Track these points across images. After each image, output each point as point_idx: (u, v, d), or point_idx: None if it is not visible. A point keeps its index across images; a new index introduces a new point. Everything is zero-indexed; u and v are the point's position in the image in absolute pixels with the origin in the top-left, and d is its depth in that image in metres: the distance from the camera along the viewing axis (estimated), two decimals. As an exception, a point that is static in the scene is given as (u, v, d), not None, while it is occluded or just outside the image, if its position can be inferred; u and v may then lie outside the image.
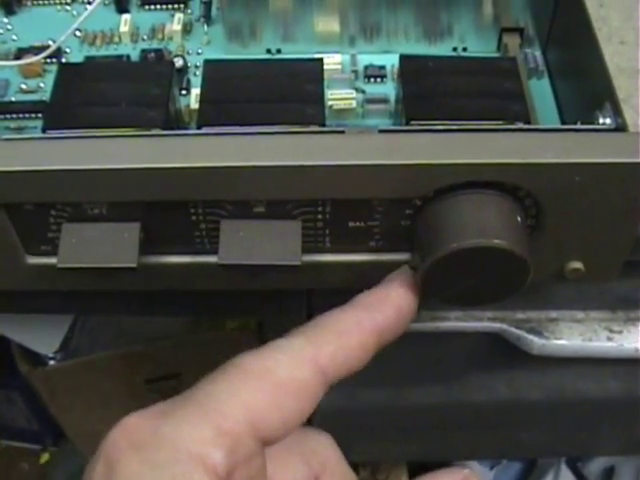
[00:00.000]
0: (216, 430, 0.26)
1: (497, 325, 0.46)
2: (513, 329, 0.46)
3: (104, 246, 0.32)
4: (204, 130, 0.34)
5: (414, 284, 0.32)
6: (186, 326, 0.64)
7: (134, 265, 0.32)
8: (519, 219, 0.32)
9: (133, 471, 0.26)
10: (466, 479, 0.28)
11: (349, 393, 0.53)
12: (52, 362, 0.73)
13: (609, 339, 0.46)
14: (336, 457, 0.33)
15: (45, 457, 0.99)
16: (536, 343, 0.46)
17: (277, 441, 0.28)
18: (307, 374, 0.29)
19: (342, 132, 0.32)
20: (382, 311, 0.31)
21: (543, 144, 0.31)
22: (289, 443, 0.30)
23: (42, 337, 0.72)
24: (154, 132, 0.33)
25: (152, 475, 0.25)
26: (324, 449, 0.33)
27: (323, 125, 0.34)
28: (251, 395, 0.28)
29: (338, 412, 0.52)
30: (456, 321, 0.46)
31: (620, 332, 0.46)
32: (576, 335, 0.46)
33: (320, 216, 0.33)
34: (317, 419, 0.52)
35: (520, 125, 0.34)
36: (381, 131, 0.32)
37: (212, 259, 0.33)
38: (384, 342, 0.31)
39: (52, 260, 0.33)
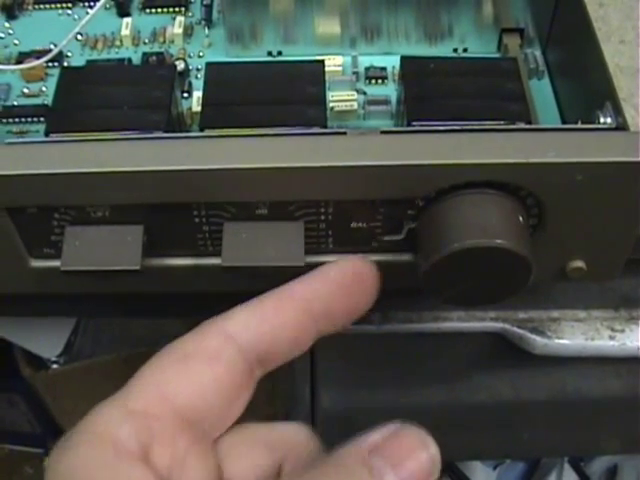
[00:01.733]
0: (122, 409, 0.27)
1: (499, 325, 0.46)
2: (515, 329, 0.46)
3: (107, 249, 0.32)
4: (206, 132, 0.34)
5: (360, 260, 0.31)
6: (189, 328, 0.64)
7: (137, 268, 0.32)
8: (521, 219, 0.32)
9: (52, 461, 0.26)
10: (398, 430, 0.26)
11: (351, 394, 0.53)
12: (55, 366, 0.73)
13: (611, 338, 0.46)
14: (304, 441, 0.31)
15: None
16: (538, 343, 0.46)
17: (207, 418, 0.28)
18: (214, 342, 0.28)
19: (344, 133, 0.32)
20: (308, 283, 0.30)
21: (544, 144, 0.31)
22: (254, 436, 0.30)
23: (45, 341, 0.72)
24: (156, 135, 0.33)
25: (64, 458, 0.26)
26: (291, 434, 0.31)
27: (325, 127, 0.34)
28: (160, 371, 0.28)
29: (339, 412, 0.52)
30: (458, 321, 0.46)
31: (622, 331, 0.46)
32: (578, 334, 0.46)
33: (323, 217, 0.33)
34: (319, 420, 0.52)
35: (521, 125, 0.34)
36: (383, 132, 0.32)
37: (215, 261, 0.33)
38: (318, 313, 0.30)
39: (55, 263, 0.33)
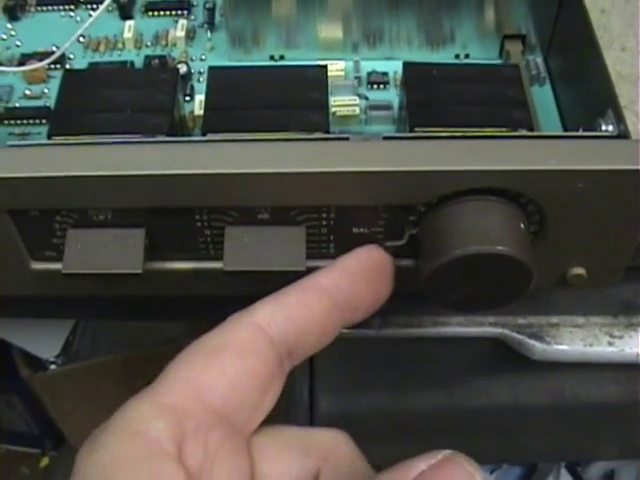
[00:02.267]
0: (155, 406, 0.27)
1: (498, 330, 0.46)
2: (514, 334, 0.46)
3: (109, 252, 0.32)
4: (209, 137, 0.34)
5: (375, 252, 0.32)
6: (188, 331, 0.64)
7: (139, 271, 0.32)
8: (522, 225, 0.32)
9: (83, 458, 0.26)
10: (446, 460, 0.26)
11: (349, 397, 0.53)
12: (53, 366, 0.73)
13: (610, 344, 0.46)
14: (345, 449, 0.31)
15: (45, 461, 0.99)
16: (537, 348, 0.46)
17: (239, 411, 0.28)
18: (244, 334, 0.29)
19: (346, 139, 0.32)
20: (328, 274, 0.31)
21: (546, 151, 0.31)
22: (289, 439, 0.30)
23: (43, 341, 0.72)
24: (159, 139, 0.33)
25: (96, 455, 0.26)
26: (329, 442, 0.31)
27: (327, 132, 0.34)
28: (191, 366, 0.28)
29: (337, 416, 0.52)
30: (457, 326, 0.46)
31: (621, 337, 0.46)
32: (577, 340, 0.46)
33: (324, 222, 0.33)
34: (317, 422, 0.52)
35: (523, 132, 0.34)
36: (385, 138, 0.32)
37: (217, 265, 0.33)
38: (341, 303, 0.31)
39: (57, 266, 0.33)
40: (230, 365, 0.28)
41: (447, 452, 0.26)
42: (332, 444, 0.31)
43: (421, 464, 0.26)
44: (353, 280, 0.31)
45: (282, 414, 0.59)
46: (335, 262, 0.32)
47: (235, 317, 0.29)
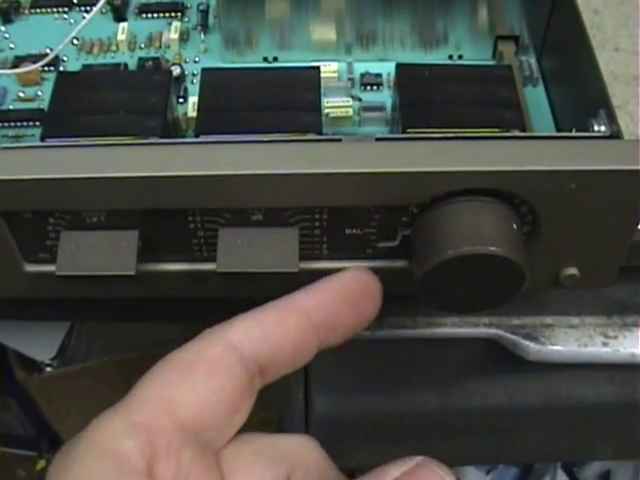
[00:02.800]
0: (127, 422, 0.26)
1: (493, 331, 0.46)
2: (509, 335, 0.46)
3: (102, 254, 0.32)
4: (202, 138, 0.34)
5: (362, 274, 0.32)
6: (183, 332, 0.64)
7: (132, 273, 0.32)
8: (515, 226, 0.32)
9: (53, 475, 0.26)
10: (419, 467, 0.26)
11: (345, 399, 0.53)
12: (48, 369, 0.73)
13: (604, 344, 0.46)
14: (314, 455, 0.31)
15: (41, 464, 0.99)
16: (532, 349, 0.46)
17: (210, 428, 0.28)
18: (216, 350, 0.28)
19: (339, 140, 0.32)
20: (309, 293, 0.30)
21: (538, 152, 0.31)
22: (259, 448, 0.30)
23: (38, 344, 0.72)
24: (152, 140, 0.33)
25: (67, 473, 0.26)
26: (298, 448, 0.31)
27: (320, 133, 0.34)
28: (162, 382, 0.28)
29: (333, 418, 0.52)
30: (452, 327, 0.46)
31: (615, 337, 0.47)
32: (571, 341, 0.46)
33: (317, 223, 0.33)
34: (312, 424, 0.52)
35: (516, 133, 0.34)
36: (378, 139, 0.32)
37: (210, 266, 0.33)
38: (319, 325, 0.30)
39: (50, 268, 0.33)
40: (200, 382, 0.28)
41: (419, 458, 0.26)
42: (302, 451, 0.31)
43: (394, 471, 0.26)
44: (334, 302, 0.31)
45: (277, 416, 0.59)
46: (319, 282, 0.31)
47: (209, 332, 0.29)
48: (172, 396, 0.27)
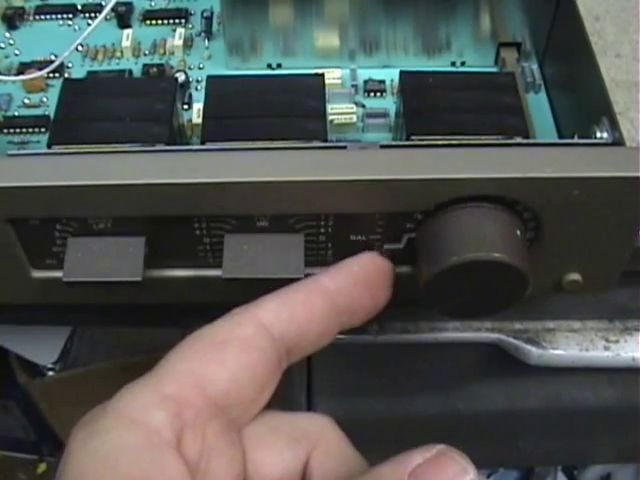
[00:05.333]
0: (157, 395, 0.26)
1: (495, 335, 0.46)
2: (511, 339, 0.46)
3: (109, 260, 0.33)
4: (208, 146, 0.34)
5: (378, 260, 0.33)
6: (185, 336, 0.64)
7: (139, 279, 0.32)
8: (518, 232, 0.32)
9: (79, 443, 0.26)
10: (441, 454, 0.26)
11: (346, 403, 0.53)
12: (51, 373, 0.73)
13: (606, 349, 0.47)
14: (332, 435, 0.31)
15: (42, 467, 0.99)
16: (534, 353, 0.46)
17: (237, 405, 0.28)
18: (248, 330, 0.29)
19: (344, 147, 0.32)
20: (333, 277, 0.31)
21: (541, 159, 0.31)
22: (277, 426, 0.30)
23: (41, 348, 0.72)
24: (158, 147, 0.34)
25: (95, 442, 0.25)
26: (317, 427, 0.31)
27: (325, 140, 0.34)
28: (193, 357, 0.28)
29: (336, 420, 0.52)
30: (454, 331, 0.46)
31: (617, 342, 0.47)
32: (573, 345, 0.46)
33: (323, 230, 0.33)
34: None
35: (519, 140, 0.34)
36: (382, 146, 0.32)
37: (216, 273, 0.34)
38: (342, 307, 0.31)
39: (57, 274, 0.34)
40: (232, 360, 0.28)
41: (441, 446, 0.26)
42: (320, 429, 0.31)
43: (417, 457, 0.26)
44: (355, 286, 0.31)
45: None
46: (339, 266, 0.32)
47: (239, 311, 0.30)
48: (203, 372, 0.28)
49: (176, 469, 0.26)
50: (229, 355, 0.28)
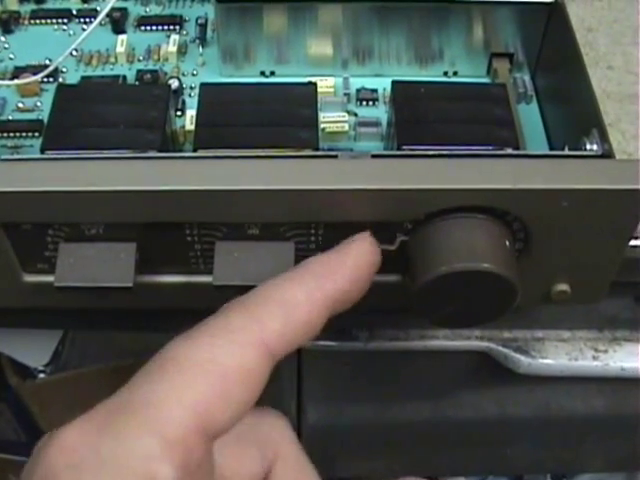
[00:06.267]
0: (162, 442, 0.24)
1: (484, 344, 0.47)
2: (500, 348, 0.47)
3: (101, 266, 0.33)
4: (200, 153, 0.34)
5: (372, 250, 0.31)
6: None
7: (130, 285, 0.33)
8: (507, 243, 0.32)
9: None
10: None
11: (336, 409, 0.53)
12: (42, 375, 0.73)
13: (595, 358, 0.47)
14: (289, 441, 0.31)
15: (33, 469, 0.99)
16: (523, 362, 0.46)
17: (225, 433, 0.26)
18: (254, 359, 0.26)
19: (335, 157, 0.33)
20: (334, 280, 0.29)
21: (531, 170, 0.31)
22: (243, 432, 0.29)
23: (32, 350, 0.72)
24: (151, 154, 0.34)
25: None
26: (277, 433, 0.30)
27: (317, 149, 0.34)
28: (195, 393, 0.25)
29: (325, 428, 0.53)
30: (444, 340, 0.47)
31: (605, 351, 0.47)
32: (562, 354, 0.47)
33: (313, 238, 0.33)
34: (304, 434, 0.52)
35: (509, 151, 0.35)
36: (373, 156, 0.33)
37: (206, 279, 0.34)
38: (334, 313, 0.29)
39: (48, 278, 0.34)
40: (235, 395, 0.26)
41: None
42: (278, 435, 0.30)
43: None
44: (350, 284, 0.30)
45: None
46: (336, 258, 0.30)
47: (240, 326, 0.27)
48: (205, 411, 0.25)
49: None
50: (233, 391, 0.26)
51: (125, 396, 0.25)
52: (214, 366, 0.26)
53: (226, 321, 0.27)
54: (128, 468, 0.23)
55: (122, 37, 0.44)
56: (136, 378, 0.26)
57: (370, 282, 0.31)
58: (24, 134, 0.40)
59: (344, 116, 0.40)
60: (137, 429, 0.24)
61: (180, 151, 0.39)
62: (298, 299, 0.28)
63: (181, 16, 0.45)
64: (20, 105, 0.41)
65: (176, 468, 0.24)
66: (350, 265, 0.30)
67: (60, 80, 0.42)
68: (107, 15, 0.43)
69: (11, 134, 0.40)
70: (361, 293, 0.30)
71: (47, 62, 0.43)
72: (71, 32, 0.45)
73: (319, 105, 0.37)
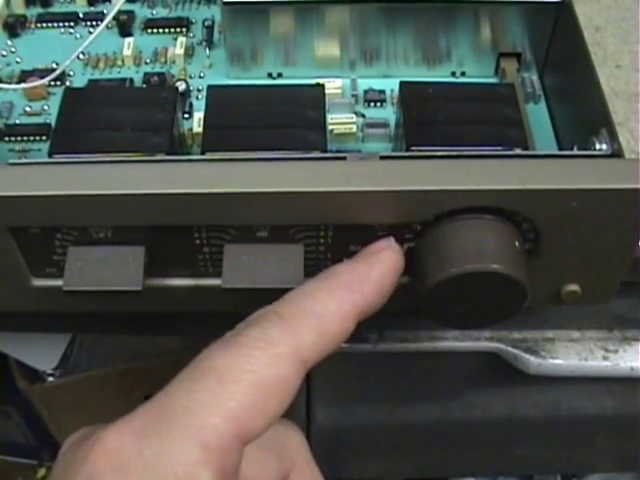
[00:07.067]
0: (202, 448, 0.25)
1: (494, 345, 0.46)
2: (510, 348, 0.46)
3: (109, 269, 0.33)
4: (208, 156, 0.34)
5: (397, 259, 0.31)
6: (185, 343, 0.64)
7: (139, 288, 0.33)
8: (517, 244, 0.32)
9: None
10: None
11: (346, 410, 0.53)
12: (51, 378, 0.73)
13: (605, 358, 0.47)
14: (305, 453, 0.31)
15: (42, 472, 0.99)
16: (533, 362, 0.46)
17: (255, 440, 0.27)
18: (290, 370, 0.27)
19: (344, 158, 0.32)
20: (362, 292, 0.30)
21: (540, 170, 0.31)
22: (264, 441, 0.28)
23: (41, 353, 0.72)
24: (159, 157, 0.34)
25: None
26: (294, 444, 0.31)
27: (325, 150, 0.34)
28: (234, 402, 0.26)
29: (334, 429, 0.53)
30: (454, 341, 0.46)
31: (616, 351, 0.47)
32: (572, 354, 0.47)
33: (322, 240, 0.33)
34: (313, 435, 0.52)
35: (518, 151, 0.34)
36: (382, 157, 0.33)
37: (215, 282, 0.34)
38: (363, 316, 0.30)
39: (57, 282, 0.34)
40: (271, 405, 0.27)
41: None
42: (295, 446, 0.31)
43: None
44: (375, 293, 0.30)
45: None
46: (370, 274, 0.30)
47: (278, 338, 0.27)
48: (243, 420, 0.26)
49: None
50: (269, 401, 0.26)
51: (165, 401, 0.26)
52: (253, 376, 0.26)
53: (263, 332, 0.28)
54: (171, 472, 0.24)
55: (129, 40, 0.44)
56: (174, 385, 0.27)
57: (393, 289, 0.31)
58: (32, 138, 0.40)
59: (352, 117, 0.40)
60: (179, 435, 0.25)
61: (188, 154, 0.39)
62: (330, 311, 0.29)
63: (188, 18, 0.45)
64: (27, 109, 0.41)
65: (214, 473, 0.25)
66: (377, 277, 0.31)
67: (67, 83, 0.42)
68: (114, 18, 0.43)
69: (19, 138, 0.40)
70: (384, 301, 0.31)
71: (54, 66, 0.43)
72: (78, 35, 0.45)
73: (327, 106, 0.37)
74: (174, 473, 0.24)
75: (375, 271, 0.31)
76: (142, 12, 0.46)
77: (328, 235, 0.33)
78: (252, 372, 0.26)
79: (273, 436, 0.31)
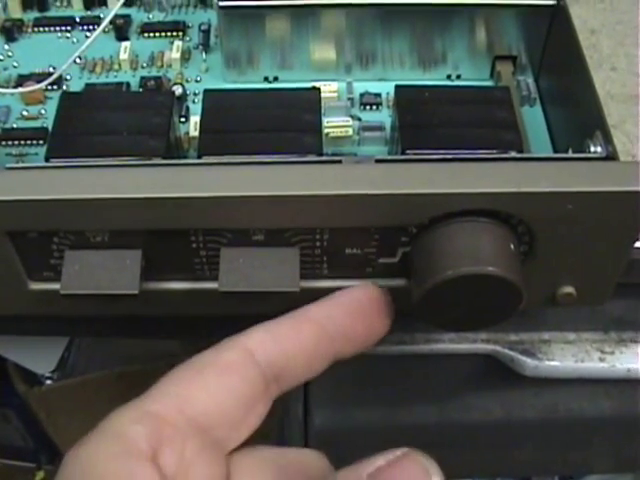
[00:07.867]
0: (139, 411, 0.28)
1: (490, 347, 0.46)
2: (506, 351, 0.46)
3: (106, 273, 0.33)
4: (204, 159, 0.34)
5: (370, 286, 0.33)
6: (183, 346, 0.64)
7: (136, 292, 0.33)
8: (512, 246, 0.32)
9: (69, 455, 0.27)
10: (404, 457, 0.27)
11: (343, 413, 0.53)
12: (49, 382, 0.73)
13: (601, 360, 0.47)
14: (318, 467, 0.31)
15: (40, 475, 0.99)
16: (529, 364, 0.46)
17: (221, 426, 0.29)
18: (232, 355, 0.30)
19: (339, 162, 0.33)
20: (318, 304, 0.32)
21: (535, 173, 0.31)
22: (266, 455, 0.30)
23: (38, 357, 0.72)
24: (155, 161, 0.34)
25: (80, 452, 0.27)
26: (305, 460, 0.32)
27: (321, 154, 0.34)
28: (177, 381, 0.29)
29: (331, 432, 0.53)
30: (450, 343, 0.46)
31: (612, 353, 0.47)
32: (568, 356, 0.47)
33: (318, 243, 0.33)
34: (311, 438, 0.52)
35: (513, 154, 0.35)
36: (377, 161, 0.33)
37: (212, 285, 0.34)
38: (333, 335, 0.32)
39: (54, 286, 0.34)
40: (213, 382, 0.29)
41: (405, 449, 0.27)
42: (307, 461, 0.31)
43: (379, 460, 0.27)
44: (346, 314, 0.32)
45: (276, 429, 0.60)
46: (329, 296, 0.33)
47: (227, 340, 0.31)
48: (185, 393, 0.29)
49: (149, 477, 0.27)
50: (210, 378, 0.29)
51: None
52: (198, 362, 0.30)
53: (220, 342, 0.31)
54: (109, 428, 0.28)
55: (125, 44, 0.44)
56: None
57: (386, 320, 0.33)
58: (29, 142, 0.40)
59: (348, 121, 0.40)
60: (124, 407, 0.28)
61: (184, 157, 0.39)
62: (282, 318, 0.32)
63: (184, 22, 0.45)
64: (24, 113, 0.41)
65: (148, 430, 0.27)
66: (344, 298, 0.33)
67: (64, 88, 0.42)
68: (110, 22, 0.44)
69: (16, 142, 0.40)
70: (375, 329, 0.33)
71: (51, 70, 0.43)
72: (74, 40, 0.45)
73: (323, 110, 0.37)
74: (112, 429, 0.28)
75: (343, 296, 0.33)
76: (139, 16, 0.46)
77: (324, 238, 0.33)
78: (197, 359, 0.30)
79: (277, 452, 0.31)
